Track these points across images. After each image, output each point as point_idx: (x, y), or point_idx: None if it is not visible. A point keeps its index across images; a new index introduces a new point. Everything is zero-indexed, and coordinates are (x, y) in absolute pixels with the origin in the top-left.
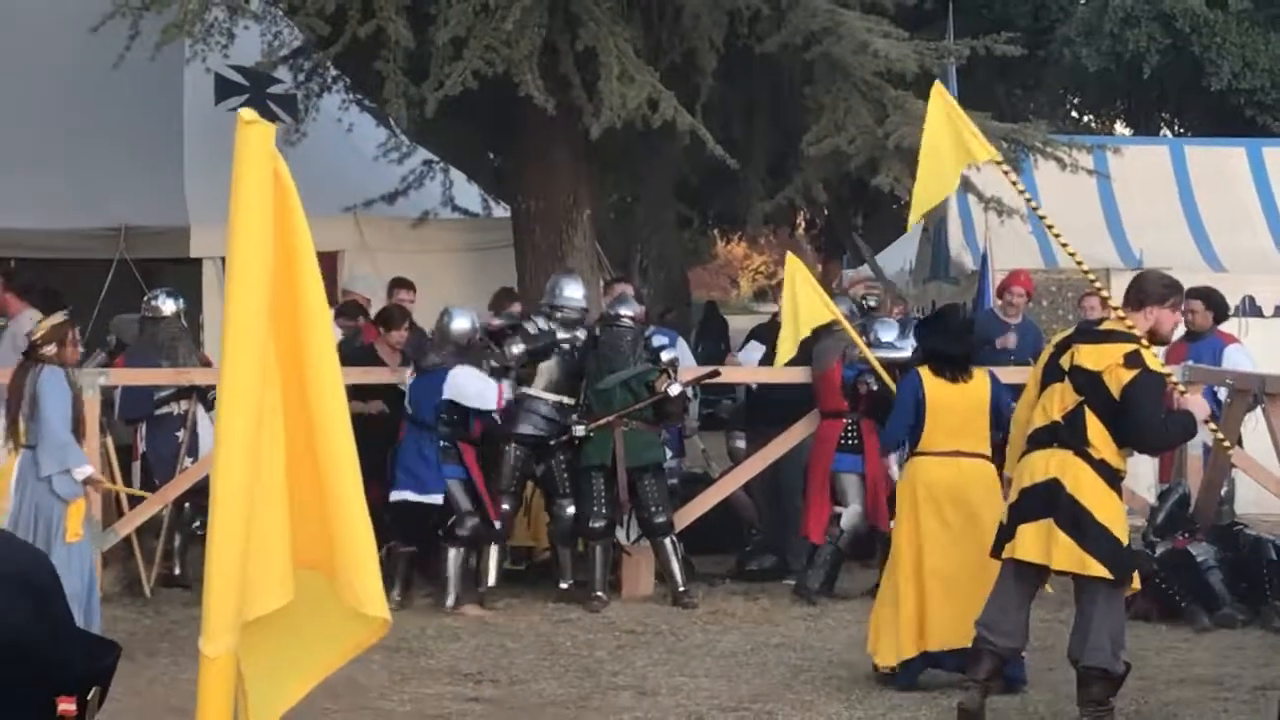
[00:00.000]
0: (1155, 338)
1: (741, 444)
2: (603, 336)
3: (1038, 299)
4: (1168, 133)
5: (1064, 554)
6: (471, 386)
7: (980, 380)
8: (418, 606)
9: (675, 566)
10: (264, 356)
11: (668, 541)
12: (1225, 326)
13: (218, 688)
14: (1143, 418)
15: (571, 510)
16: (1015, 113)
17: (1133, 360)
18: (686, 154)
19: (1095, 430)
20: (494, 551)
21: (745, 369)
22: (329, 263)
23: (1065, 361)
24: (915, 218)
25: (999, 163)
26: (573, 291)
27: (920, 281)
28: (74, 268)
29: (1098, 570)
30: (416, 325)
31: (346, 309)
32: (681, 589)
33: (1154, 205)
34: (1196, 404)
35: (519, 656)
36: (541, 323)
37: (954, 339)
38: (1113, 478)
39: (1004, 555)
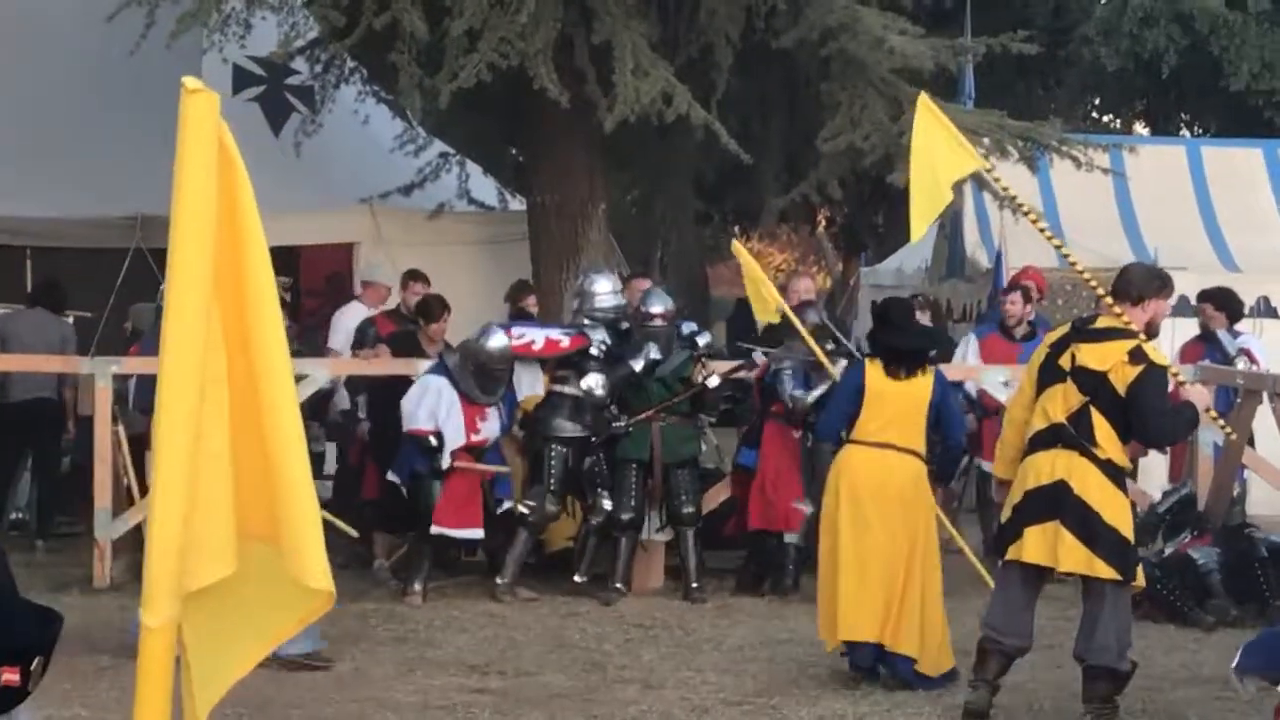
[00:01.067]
0: (1150, 330)
1: None
2: (636, 336)
3: (1052, 297)
4: (1186, 133)
5: (1071, 555)
6: (414, 402)
7: (924, 378)
8: (427, 598)
9: (692, 561)
10: (207, 326)
11: (691, 534)
12: (1240, 327)
13: (158, 658)
14: (1151, 412)
15: (609, 504)
16: (1034, 111)
17: (1137, 356)
18: (702, 149)
19: (1102, 430)
20: (522, 546)
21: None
22: (345, 253)
23: (1065, 362)
24: (917, 234)
25: (989, 170)
26: (605, 288)
27: (936, 280)
28: (90, 256)
29: (1106, 572)
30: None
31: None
32: (694, 584)
33: (1169, 205)
34: (1198, 394)
35: (526, 649)
36: (598, 336)
37: (904, 334)
38: (1119, 477)
39: (1009, 557)
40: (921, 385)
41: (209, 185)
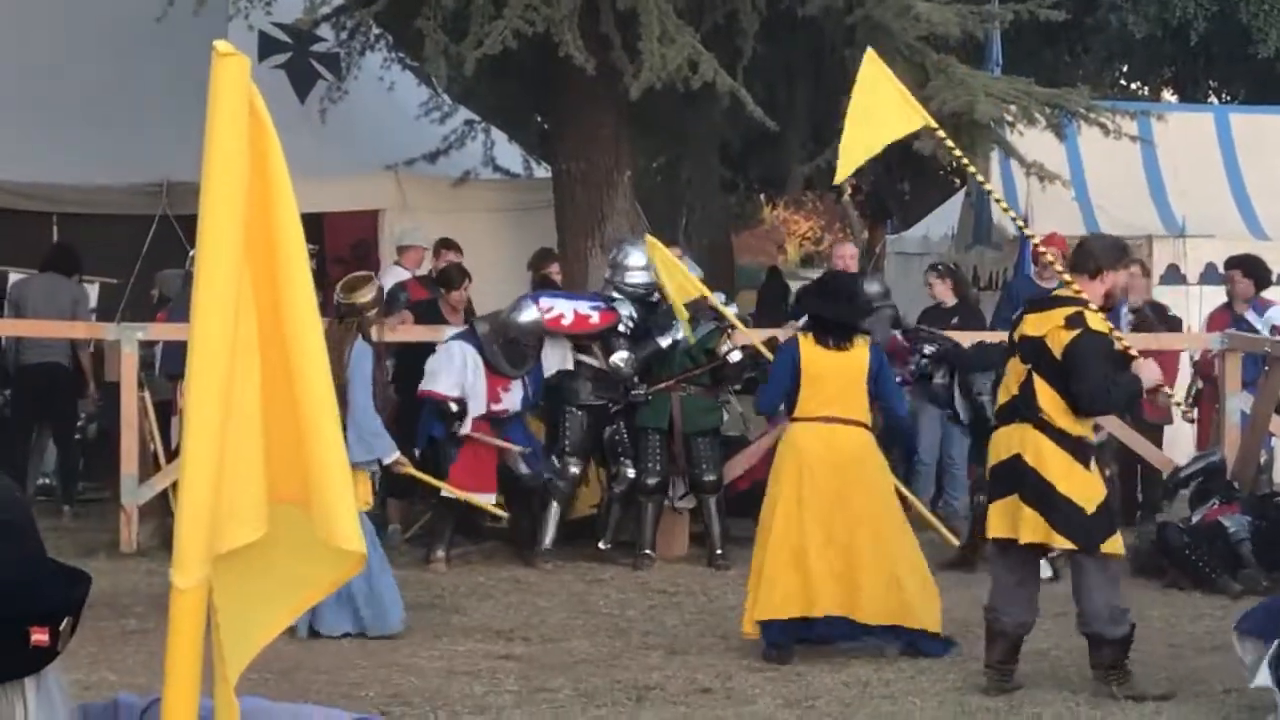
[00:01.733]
0: (1110, 300)
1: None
2: (665, 307)
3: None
4: (1214, 100)
5: (1030, 528)
6: (438, 365)
7: (860, 349)
8: (452, 564)
9: (716, 528)
10: (237, 290)
11: (713, 501)
12: (1267, 294)
13: (189, 620)
14: (1084, 378)
15: (632, 472)
16: (1062, 78)
17: (1073, 321)
18: (727, 116)
19: (1046, 397)
20: (554, 511)
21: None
22: (370, 220)
23: (1017, 334)
24: (841, 176)
25: (934, 129)
26: (638, 263)
27: (963, 248)
28: (116, 223)
29: (1063, 542)
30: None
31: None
32: (718, 551)
33: (1197, 173)
34: (1148, 369)
35: (551, 615)
36: (626, 312)
37: (838, 305)
38: (1075, 446)
39: (985, 535)
40: (857, 356)
41: (240, 150)
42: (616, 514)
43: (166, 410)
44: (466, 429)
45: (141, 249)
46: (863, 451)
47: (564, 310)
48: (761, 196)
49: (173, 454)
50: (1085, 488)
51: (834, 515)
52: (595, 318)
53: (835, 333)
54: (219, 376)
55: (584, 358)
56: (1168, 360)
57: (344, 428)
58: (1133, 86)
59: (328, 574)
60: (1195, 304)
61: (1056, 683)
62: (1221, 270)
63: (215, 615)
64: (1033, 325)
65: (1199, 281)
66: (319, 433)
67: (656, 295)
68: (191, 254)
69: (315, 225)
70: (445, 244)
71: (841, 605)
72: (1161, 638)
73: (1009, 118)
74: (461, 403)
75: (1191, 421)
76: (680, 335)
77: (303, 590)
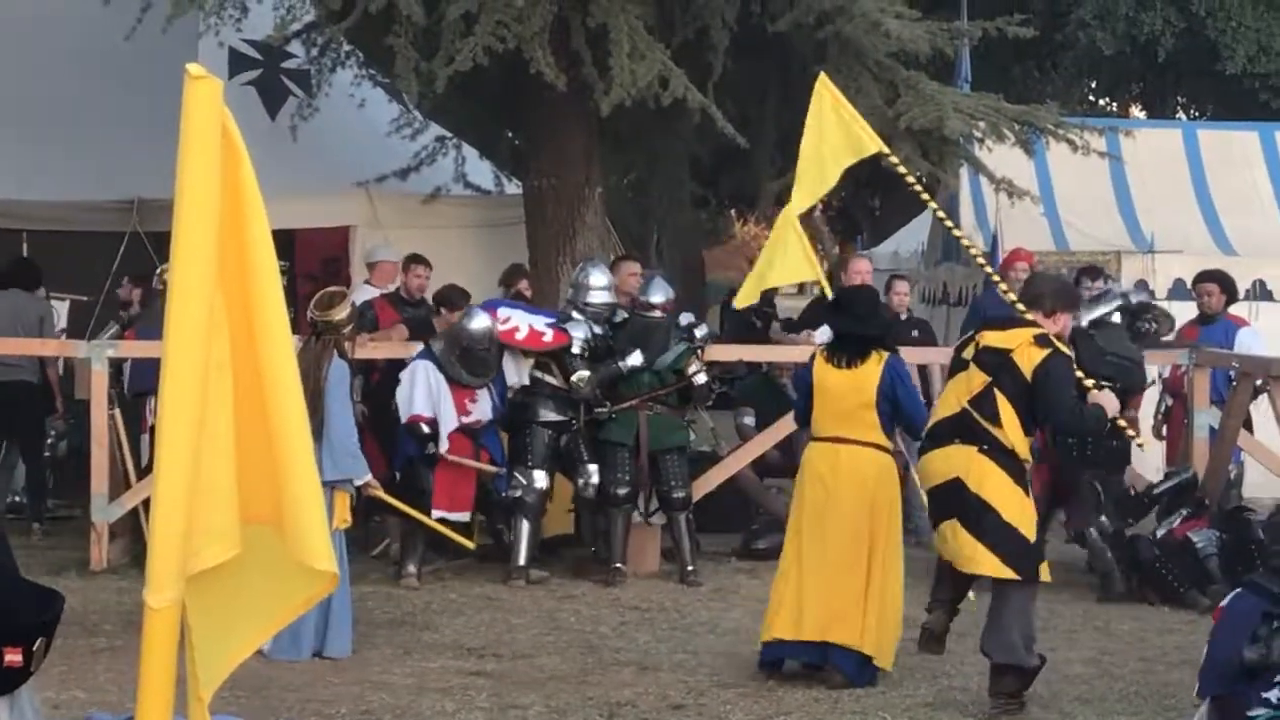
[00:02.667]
0: (1059, 340)
1: (749, 421)
2: (634, 326)
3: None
4: (1182, 116)
5: (982, 559)
6: (406, 391)
7: (871, 367)
8: (423, 581)
9: (686, 544)
10: (210, 310)
11: (682, 518)
12: (1235, 310)
13: (162, 638)
14: (1057, 397)
15: (597, 478)
16: (1031, 95)
17: (1043, 340)
18: (698, 133)
19: (1006, 413)
20: (526, 528)
21: (766, 348)
22: (341, 236)
23: (968, 351)
24: (799, 209)
25: (886, 155)
26: (599, 283)
27: (932, 264)
28: (86, 240)
29: (1005, 572)
30: (426, 302)
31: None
32: (689, 568)
33: (1166, 188)
34: (1107, 400)
35: (522, 631)
36: (580, 334)
37: (855, 321)
38: (1018, 471)
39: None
40: (866, 374)
41: (213, 171)
42: (590, 522)
43: (136, 429)
44: (444, 447)
45: (112, 266)
46: (863, 472)
47: (519, 324)
48: (732, 212)
49: (143, 472)
50: (1026, 513)
51: (815, 533)
52: (548, 336)
53: (848, 349)
54: (192, 396)
55: (543, 376)
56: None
57: (319, 445)
58: (1101, 103)
59: (300, 593)
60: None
61: (1026, 697)
62: (1189, 285)
63: (189, 634)
64: (995, 339)
65: (1167, 297)
66: (291, 453)
67: (621, 315)
68: (160, 269)
69: (286, 242)
70: (414, 259)
71: (807, 628)
72: (1132, 651)
73: (978, 134)
74: (433, 423)
75: (1160, 438)
76: (637, 362)
77: (276, 609)
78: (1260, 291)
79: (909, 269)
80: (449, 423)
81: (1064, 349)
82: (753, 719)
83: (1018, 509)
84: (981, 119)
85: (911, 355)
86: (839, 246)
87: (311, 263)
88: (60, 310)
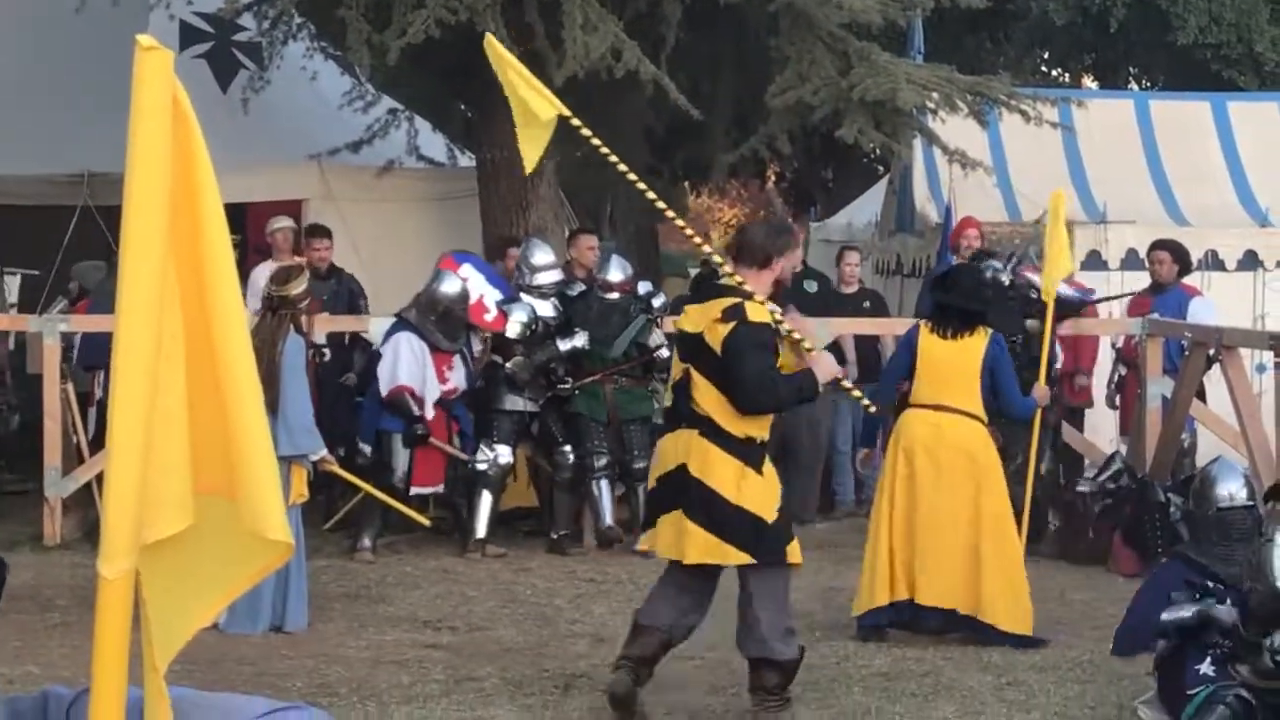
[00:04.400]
0: (779, 288)
1: None
2: (592, 305)
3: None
4: (1135, 86)
5: (698, 545)
6: (389, 363)
7: (977, 340)
8: (379, 554)
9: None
10: (162, 282)
11: (641, 488)
12: (1188, 280)
13: (116, 609)
14: (742, 373)
15: (573, 457)
16: (983, 66)
17: (730, 313)
18: (651, 105)
19: (708, 398)
20: (486, 500)
21: None
22: (293, 210)
23: (675, 327)
24: (530, 166)
25: (567, 117)
26: (543, 262)
27: (886, 234)
28: (37, 215)
29: (737, 558)
30: (344, 272)
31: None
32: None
33: (1118, 159)
34: (823, 362)
35: (478, 604)
36: (522, 316)
37: (960, 295)
38: (745, 450)
39: (642, 547)
40: (972, 346)
41: (163, 143)
42: (565, 500)
43: (85, 402)
44: (430, 414)
45: (63, 240)
46: (968, 441)
47: (473, 289)
48: (686, 184)
49: (93, 444)
50: (760, 494)
51: (924, 501)
52: (490, 315)
53: (954, 322)
54: (145, 369)
55: (511, 367)
56: (1088, 345)
57: (275, 419)
58: (1054, 73)
59: (255, 563)
60: (1116, 290)
61: (980, 667)
62: (1142, 256)
63: (143, 605)
64: (691, 320)
65: (1120, 267)
66: (244, 424)
67: (578, 287)
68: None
69: (238, 215)
70: (314, 231)
71: (911, 589)
72: (1086, 621)
73: (931, 105)
74: (416, 396)
75: (1113, 407)
76: (580, 343)
77: (230, 580)
78: (1212, 261)
79: (863, 240)
80: (433, 393)
81: (756, 317)
82: (708, 689)
83: (749, 491)
84: (934, 90)
85: (862, 327)
86: (792, 218)
87: (264, 237)
88: (11, 285)
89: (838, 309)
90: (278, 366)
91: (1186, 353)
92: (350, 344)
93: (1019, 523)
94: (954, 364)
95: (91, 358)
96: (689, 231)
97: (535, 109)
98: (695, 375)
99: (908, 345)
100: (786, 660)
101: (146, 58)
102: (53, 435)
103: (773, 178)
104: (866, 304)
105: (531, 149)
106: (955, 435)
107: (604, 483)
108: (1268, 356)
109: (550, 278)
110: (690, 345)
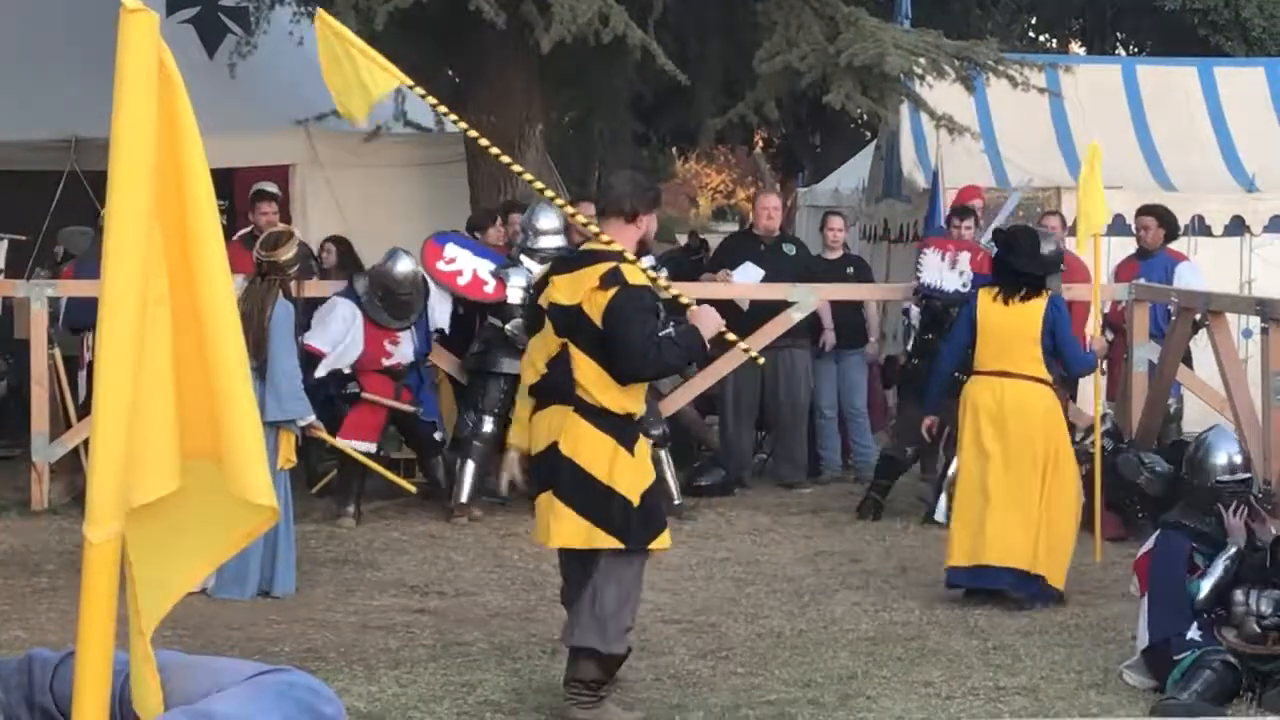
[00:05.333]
0: (643, 247)
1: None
2: None
3: (989, 218)
4: (1122, 52)
5: (566, 528)
6: (317, 321)
7: (1036, 305)
8: (365, 520)
9: (669, 478)
10: (147, 246)
11: (662, 454)
12: (1174, 246)
13: (102, 573)
14: (627, 340)
15: None
16: (971, 31)
17: (610, 279)
18: (639, 70)
19: (587, 373)
20: (470, 469)
21: (728, 286)
22: (280, 175)
23: (544, 301)
24: (360, 116)
25: (412, 86)
26: (549, 225)
27: (873, 200)
28: (24, 179)
29: (606, 541)
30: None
31: None
32: (676, 502)
33: (1105, 124)
34: (706, 317)
35: (466, 570)
36: (520, 282)
37: (1019, 258)
38: (620, 428)
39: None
40: (1032, 311)
41: (149, 108)
42: None
43: (73, 366)
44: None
45: (50, 205)
46: (1030, 405)
47: (463, 267)
48: (674, 150)
49: (82, 410)
50: (632, 476)
51: (993, 465)
52: (490, 286)
53: (1015, 286)
54: (130, 331)
55: (495, 320)
56: (1078, 310)
57: (264, 384)
58: (1041, 39)
59: (240, 527)
60: (1104, 255)
61: (967, 631)
62: (1130, 221)
63: (129, 569)
64: (564, 291)
65: (1107, 233)
66: (230, 387)
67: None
68: (102, 212)
69: (225, 181)
70: (260, 195)
71: (985, 553)
72: (1072, 585)
73: (918, 70)
74: (323, 355)
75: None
76: None
77: (216, 543)
78: (1199, 227)
79: (850, 206)
80: (346, 361)
81: (635, 280)
82: (695, 654)
83: (620, 471)
84: (922, 55)
85: (848, 293)
86: (780, 183)
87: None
88: None
89: (820, 274)
90: (266, 332)
91: (1173, 318)
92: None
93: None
94: (1014, 330)
95: (79, 319)
96: (559, 202)
97: (374, 83)
98: (573, 350)
99: (968, 315)
100: (609, 655)
101: (131, 20)
102: (40, 400)
103: (760, 143)
104: (850, 269)
105: (355, 107)
106: (1019, 400)
107: None
108: (1254, 322)
109: (554, 242)
110: (567, 318)
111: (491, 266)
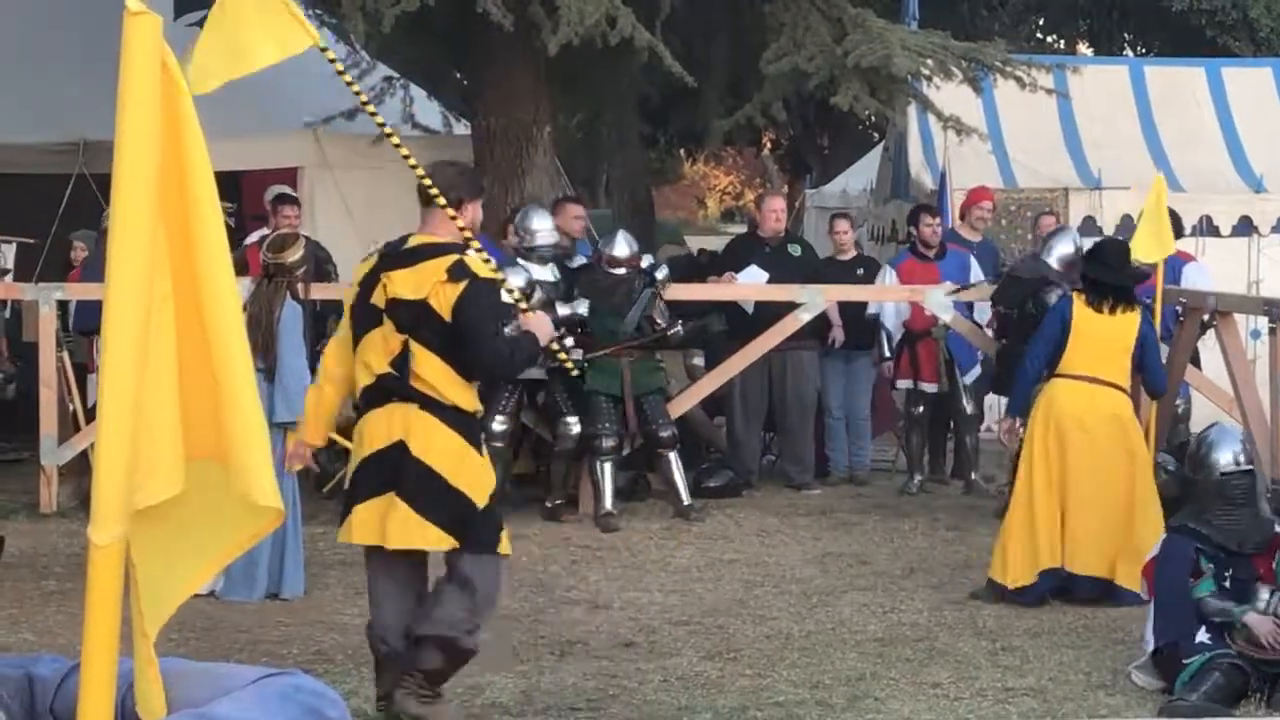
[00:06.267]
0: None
1: (699, 362)
2: (601, 280)
3: (996, 219)
4: (1129, 53)
5: (402, 529)
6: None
7: (1131, 317)
8: None
9: (680, 481)
10: (153, 247)
11: (673, 455)
12: (1182, 246)
13: (107, 576)
14: (479, 335)
15: (577, 429)
16: (978, 32)
17: (458, 272)
18: (646, 72)
19: (434, 370)
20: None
21: (735, 287)
22: (289, 178)
23: (379, 298)
24: (203, 88)
25: (323, 48)
26: (541, 226)
27: (881, 201)
28: (32, 183)
29: (443, 543)
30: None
31: None
32: (687, 503)
33: (1113, 125)
34: (539, 323)
35: None
36: (518, 280)
37: (1112, 269)
38: (469, 427)
39: (340, 539)
40: (1128, 322)
41: (153, 109)
42: (560, 471)
43: (83, 371)
44: None
45: (58, 209)
46: (1116, 413)
47: None
48: (681, 151)
49: (90, 413)
50: (478, 476)
51: (1078, 471)
52: None
53: (1109, 297)
54: (135, 334)
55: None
56: None
57: (272, 386)
58: (1048, 40)
59: (245, 529)
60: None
61: (975, 632)
62: (1137, 221)
63: (133, 571)
64: (406, 286)
65: (1115, 233)
66: (234, 390)
67: (579, 260)
68: (107, 212)
69: (233, 183)
70: (282, 199)
71: (1063, 558)
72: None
73: (926, 72)
74: None
75: None
76: (582, 310)
77: (220, 545)
78: (1206, 227)
79: (858, 207)
80: None
81: (484, 271)
82: (702, 655)
83: (468, 472)
84: (929, 57)
85: (852, 293)
86: (787, 185)
87: (259, 204)
88: (7, 253)
89: (831, 276)
90: (274, 333)
91: (1181, 319)
92: (322, 310)
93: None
94: (1112, 338)
95: (86, 322)
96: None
97: (280, 44)
98: (415, 346)
99: (1060, 316)
100: (459, 649)
101: (135, 22)
102: (48, 403)
103: (768, 145)
104: (860, 271)
105: (212, 76)
106: (1109, 407)
107: (609, 465)
108: (1262, 322)
109: (548, 239)
110: (412, 313)
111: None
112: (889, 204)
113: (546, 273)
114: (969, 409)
